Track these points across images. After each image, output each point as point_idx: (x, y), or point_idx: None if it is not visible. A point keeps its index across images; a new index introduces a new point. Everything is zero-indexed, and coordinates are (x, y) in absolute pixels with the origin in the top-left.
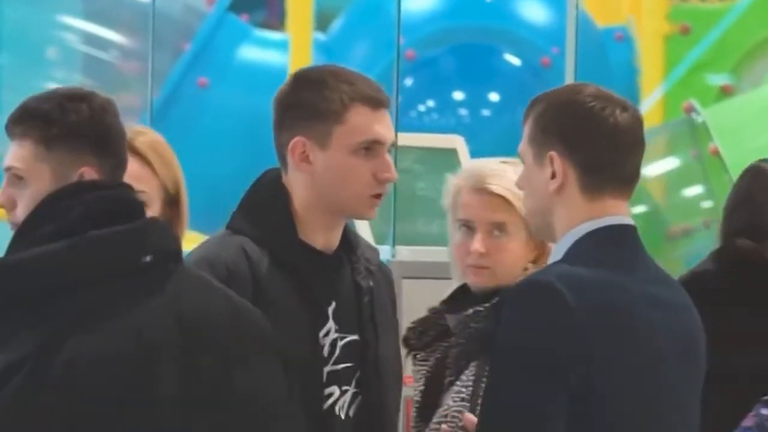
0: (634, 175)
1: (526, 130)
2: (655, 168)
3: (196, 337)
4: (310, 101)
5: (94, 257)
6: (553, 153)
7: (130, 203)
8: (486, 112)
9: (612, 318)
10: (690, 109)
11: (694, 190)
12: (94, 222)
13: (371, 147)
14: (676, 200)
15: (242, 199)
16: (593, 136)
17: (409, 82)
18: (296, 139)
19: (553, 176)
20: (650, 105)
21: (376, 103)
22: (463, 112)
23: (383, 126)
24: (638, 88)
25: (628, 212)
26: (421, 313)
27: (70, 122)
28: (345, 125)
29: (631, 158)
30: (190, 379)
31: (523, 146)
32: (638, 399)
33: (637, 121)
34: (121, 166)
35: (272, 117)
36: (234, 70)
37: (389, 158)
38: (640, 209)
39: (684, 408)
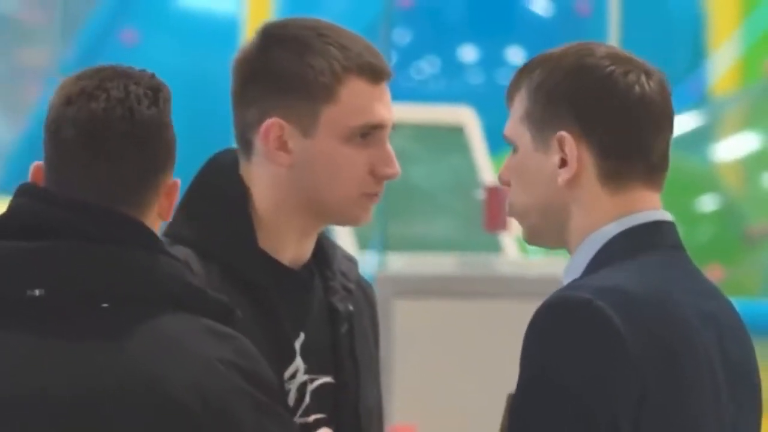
0: (664, 159)
1: (518, 106)
2: (730, 149)
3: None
4: (290, 70)
5: None
6: (563, 134)
7: (49, 219)
8: (504, 77)
9: (667, 344)
10: None
11: None
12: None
13: (369, 133)
14: (757, 191)
15: (184, 196)
16: (616, 111)
17: (404, 36)
18: (271, 120)
19: (563, 164)
20: (722, 66)
21: (377, 74)
22: (475, 76)
23: (384, 105)
24: (705, 44)
25: (660, 205)
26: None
27: None
28: (337, 105)
29: (661, 137)
30: None
31: (515, 126)
32: None
33: (665, 89)
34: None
35: (231, 86)
36: (170, 21)
37: (390, 148)
38: (710, 203)
39: None
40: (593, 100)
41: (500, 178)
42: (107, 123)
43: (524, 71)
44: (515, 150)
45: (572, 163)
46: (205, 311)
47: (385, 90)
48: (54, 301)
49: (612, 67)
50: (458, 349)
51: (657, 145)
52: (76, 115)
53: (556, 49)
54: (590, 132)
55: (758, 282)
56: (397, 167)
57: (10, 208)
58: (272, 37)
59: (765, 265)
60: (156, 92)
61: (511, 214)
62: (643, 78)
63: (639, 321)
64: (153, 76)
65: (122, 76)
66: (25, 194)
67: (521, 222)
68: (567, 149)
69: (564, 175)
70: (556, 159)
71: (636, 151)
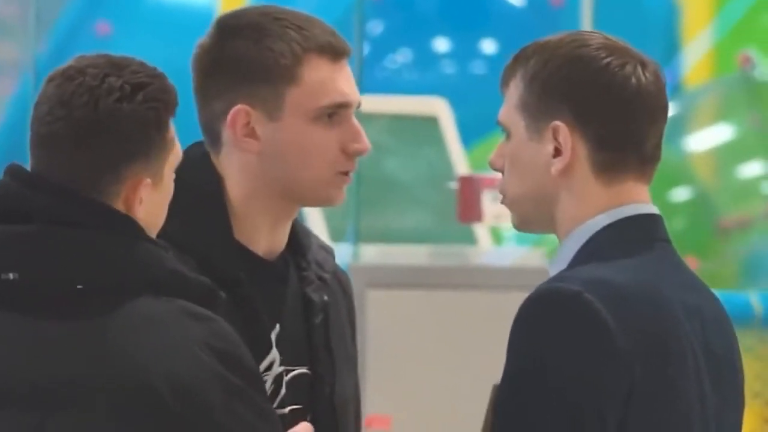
0: (656, 151)
1: (514, 93)
2: (702, 140)
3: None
4: (250, 56)
5: None
6: (558, 123)
7: (22, 202)
8: (477, 68)
9: (655, 338)
10: (747, 62)
11: (753, 169)
12: None
13: (336, 112)
14: (730, 182)
15: None
16: (612, 103)
17: (376, 27)
18: (237, 107)
19: (557, 153)
20: (695, 57)
21: (337, 52)
22: (448, 67)
23: (347, 82)
24: (678, 35)
25: (649, 199)
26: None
27: None
28: (300, 86)
29: (655, 129)
30: None
31: (509, 113)
32: None
33: (661, 81)
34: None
35: (193, 80)
36: (145, 13)
37: (357, 123)
38: (682, 194)
39: None
40: (589, 92)
41: (492, 164)
42: (70, 107)
43: (519, 59)
44: (508, 137)
45: (566, 153)
46: (187, 295)
47: (345, 67)
48: (28, 285)
49: (608, 59)
50: (432, 339)
51: (651, 137)
52: (51, 93)
53: (552, 37)
54: (585, 123)
55: (731, 274)
56: (367, 142)
57: None
58: (228, 27)
59: (738, 257)
60: (136, 88)
61: (503, 202)
62: (639, 69)
63: (627, 314)
64: (154, 75)
65: (112, 66)
66: (6, 174)
67: (512, 209)
68: (561, 139)
69: (557, 164)
70: (549, 148)
71: (630, 143)
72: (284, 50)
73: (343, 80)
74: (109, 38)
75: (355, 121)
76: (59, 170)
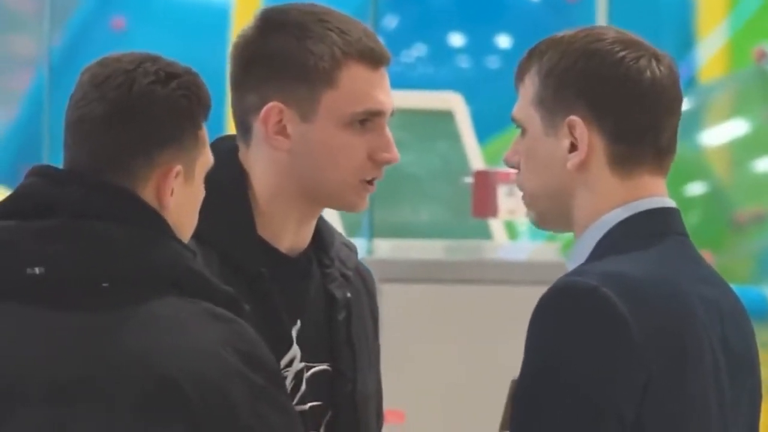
0: (672, 144)
1: (529, 88)
2: (717, 134)
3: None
4: (290, 55)
5: None
6: (573, 118)
7: (53, 198)
8: (493, 62)
9: (672, 332)
10: (763, 56)
11: None
12: (8, 213)
13: (369, 119)
14: (745, 177)
15: None
16: (627, 96)
17: (391, 22)
18: (271, 104)
19: (573, 148)
20: (710, 51)
21: (377, 59)
22: (463, 62)
23: (384, 91)
24: (693, 30)
25: (666, 192)
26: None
27: None
28: (337, 90)
29: (670, 121)
30: None
31: (524, 109)
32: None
33: (675, 74)
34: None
35: (230, 70)
36: (159, 8)
37: (389, 133)
38: (697, 189)
39: None
40: (605, 85)
41: (507, 161)
42: (104, 89)
43: (534, 54)
44: (523, 133)
45: (582, 148)
46: (211, 300)
47: (384, 75)
48: (54, 281)
49: (623, 53)
50: (446, 334)
51: (666, 130)
52: (85, 81)
53: (566, 32)
54: (601, 117)
55: (746, 268)
56: (396, 153)
57: (16, 189)
58: (272, 21)
59: (753, 252)
60: (171, 76)
61: (522, 199)
62: (654, 63)
63: (644, 308)
64: (188, 71)
65: (148, 56)
66: (32, 174)
67: (530, 206)
68: (577, 134)
69: (574, 159)
70: (566, 143)
71: (646, 135)
72: (325, 53)
73: (380, 88)
74: (124, 33)
75: (387, 130)
76: (91, 154)
